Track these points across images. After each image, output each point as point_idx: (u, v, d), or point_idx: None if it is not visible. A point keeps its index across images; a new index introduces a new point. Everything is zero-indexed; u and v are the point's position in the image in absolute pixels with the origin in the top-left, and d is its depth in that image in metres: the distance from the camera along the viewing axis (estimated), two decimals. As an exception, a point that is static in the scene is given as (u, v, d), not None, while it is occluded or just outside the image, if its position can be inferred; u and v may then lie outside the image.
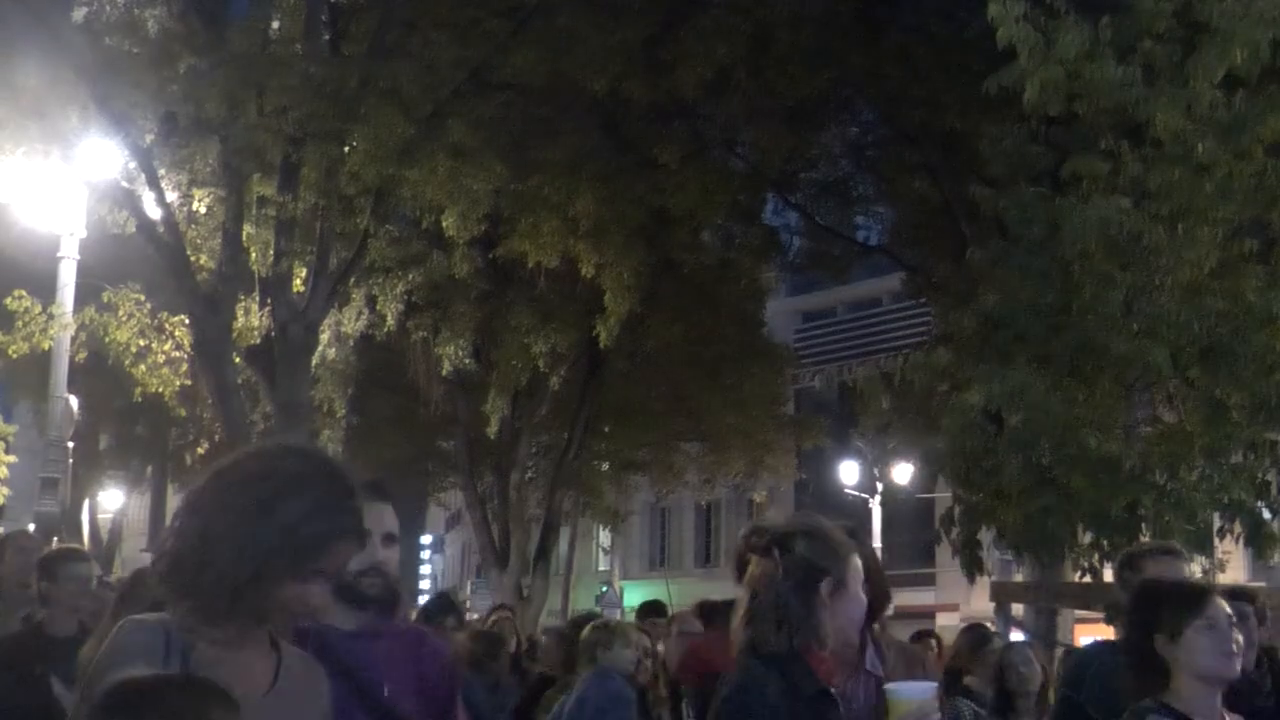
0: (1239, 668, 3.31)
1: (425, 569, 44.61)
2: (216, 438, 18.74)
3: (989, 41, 10.24)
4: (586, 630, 5.93)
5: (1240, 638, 3.31)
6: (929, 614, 26.35)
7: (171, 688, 2.13)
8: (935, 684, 3.16)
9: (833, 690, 2.99)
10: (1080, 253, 9.96)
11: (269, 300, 15.13)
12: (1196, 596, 3.34)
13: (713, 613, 6.31)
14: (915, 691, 2.97)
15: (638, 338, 20.71)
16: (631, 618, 18.54)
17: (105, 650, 2.26)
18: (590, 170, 17.26)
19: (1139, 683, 3.26)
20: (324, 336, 17.02)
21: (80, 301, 14.56)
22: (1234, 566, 14.91)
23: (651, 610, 8.56)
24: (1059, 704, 4.49)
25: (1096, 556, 10.28)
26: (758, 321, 23.02)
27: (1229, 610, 3.34)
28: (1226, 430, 9.83)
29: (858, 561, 3.08)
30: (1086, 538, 10.56)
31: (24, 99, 13.94)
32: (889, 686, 3.00)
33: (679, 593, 23.57)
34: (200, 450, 21.12)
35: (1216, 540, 10.57)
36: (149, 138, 14.75)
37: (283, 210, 14.97)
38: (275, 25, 16.26)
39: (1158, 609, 3.31)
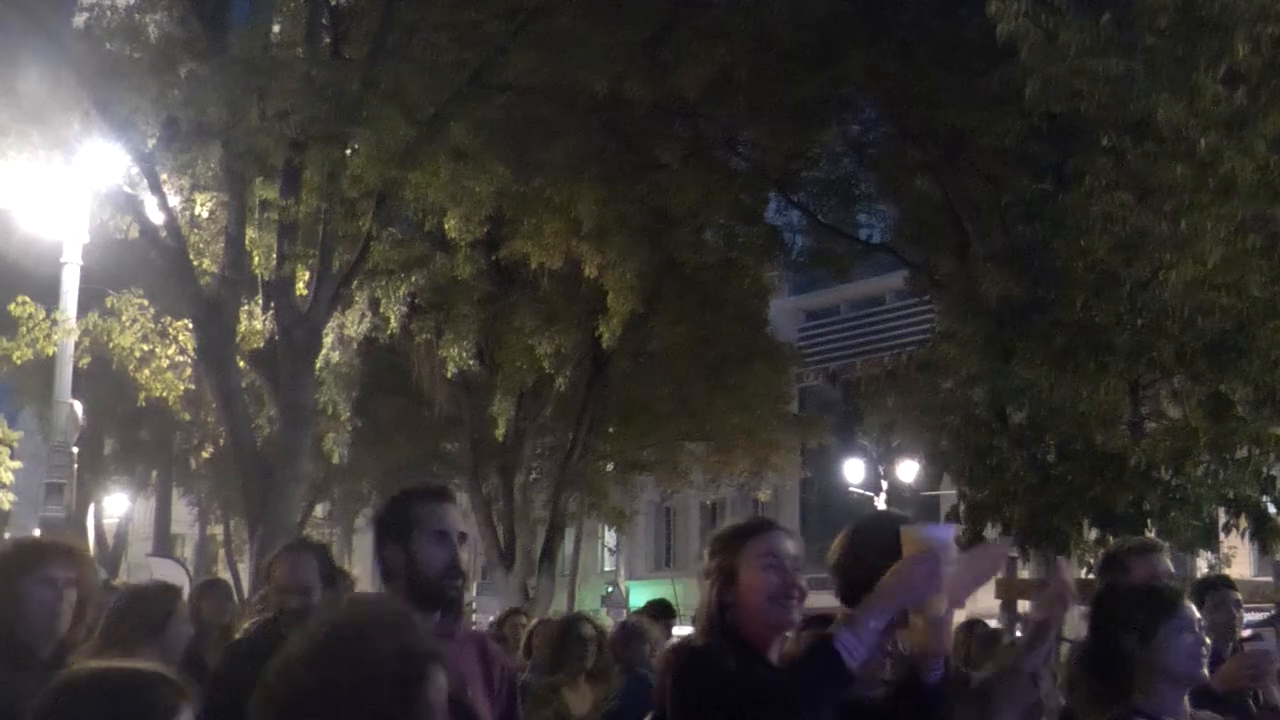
0: (1206, 670, 3.31)
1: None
2: (221, 442, 18.74)
3: (989, 39, 10.23)
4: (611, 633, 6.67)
5: (1209, 640, 3.31)
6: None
7: (125, 677, 2.05)
8: (954, 527, 3.01)
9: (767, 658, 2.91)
10: (1083, 249, 9.96)
11: (272, 304, 15.13)
12: (1170, 598, 3.32)
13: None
14: (936, 531, 2.81)
15: (641, 338, 20.69)
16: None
17: None
18: (592, 171, 17.25)
19: (1103, 684, 3.23)
20: (327, 340, 17.00)
21: (84, 307, 14.57)
22: (1239, 561, 14.92)
23: (659, 611, 8.40)
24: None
25: (1102, 553, 10.27)
26: (761, 321, 22.96)
27: (1197, 614, 3.33)
28: (1232, 425, 9.83)
29: (757, 544, 2.94)
30: (1092, 534, 10.56)
31: (26, 105, 13.95)
32: (904, 526, 2.84)
33: (685, 592, 23.53)
34: (205, 454, 21.16)
35: (1222, 535, 10.57)
36: (151, 142, 14.76)
37: (285, 214, 14.98)
38: (276, 29, 16.27)
39: (1129, 610, 3.27)
